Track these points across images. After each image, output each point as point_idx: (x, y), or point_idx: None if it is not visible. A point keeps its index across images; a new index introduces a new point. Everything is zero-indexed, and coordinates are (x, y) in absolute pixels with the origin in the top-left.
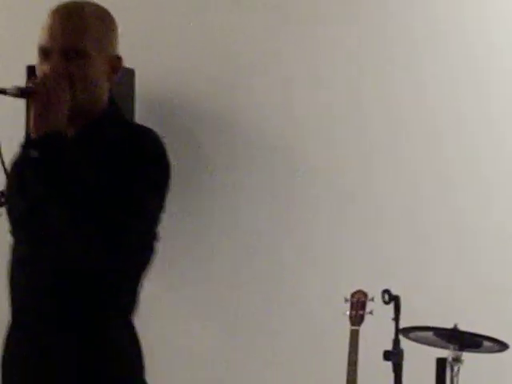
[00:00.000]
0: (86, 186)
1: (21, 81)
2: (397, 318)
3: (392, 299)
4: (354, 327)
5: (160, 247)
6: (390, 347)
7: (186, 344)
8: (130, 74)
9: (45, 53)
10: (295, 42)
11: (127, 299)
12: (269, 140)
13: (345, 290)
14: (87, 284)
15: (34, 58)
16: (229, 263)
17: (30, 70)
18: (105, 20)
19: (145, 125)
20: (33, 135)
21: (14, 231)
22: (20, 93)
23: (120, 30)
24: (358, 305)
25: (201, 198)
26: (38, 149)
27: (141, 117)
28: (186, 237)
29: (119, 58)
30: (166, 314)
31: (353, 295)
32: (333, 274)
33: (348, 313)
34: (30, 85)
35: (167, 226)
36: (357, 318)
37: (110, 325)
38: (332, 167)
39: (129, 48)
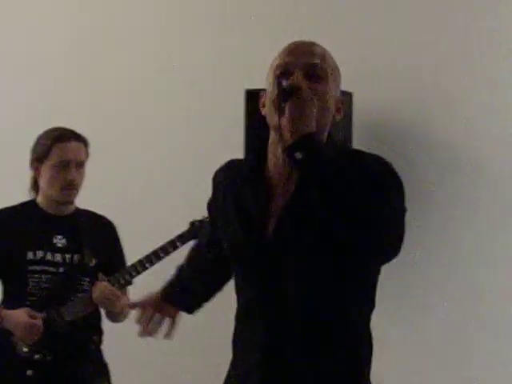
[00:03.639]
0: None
1: (240, 105)
2: None
3: None
4: None
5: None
6: None
7: None
8: (348, 97)
9: (285, 71)
10: None
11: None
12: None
13: None
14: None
15: (252, 83)
16: None
17: (249, 95)
18: (335, 61)
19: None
20: (287, 138)
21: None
22: (288, 90)
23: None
24: None
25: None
26: (303, 150)
27: (358, 139)
28: None
29: (343, 100)
30: None
31: None
32: None
33: None
34: (290, 85)
35: None
36: None
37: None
38: None
39: (347, 72)
